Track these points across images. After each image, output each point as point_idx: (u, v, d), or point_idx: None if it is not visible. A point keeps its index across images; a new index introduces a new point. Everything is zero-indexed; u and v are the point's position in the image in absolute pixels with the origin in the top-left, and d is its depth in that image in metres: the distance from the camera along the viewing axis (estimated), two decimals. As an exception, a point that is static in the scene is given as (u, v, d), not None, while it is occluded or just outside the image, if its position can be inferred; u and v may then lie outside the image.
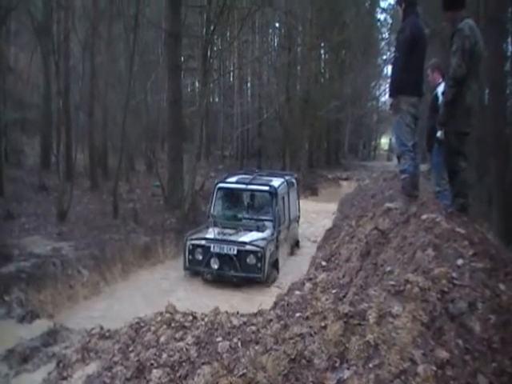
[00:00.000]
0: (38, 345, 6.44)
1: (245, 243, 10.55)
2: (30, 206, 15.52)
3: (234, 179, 13.03)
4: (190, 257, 11.00)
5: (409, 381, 2.87)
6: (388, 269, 4.11)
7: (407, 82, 5.71)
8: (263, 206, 12.27)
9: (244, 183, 12.49)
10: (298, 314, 3.71)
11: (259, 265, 10.40)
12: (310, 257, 8.21)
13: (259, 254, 10.32)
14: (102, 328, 5.10)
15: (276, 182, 12.60)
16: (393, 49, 34.88)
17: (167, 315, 4.36)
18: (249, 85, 37.93)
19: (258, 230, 11.21)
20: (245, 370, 3.34)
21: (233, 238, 10.88)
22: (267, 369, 3.27)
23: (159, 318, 4.36)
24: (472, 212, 5.04)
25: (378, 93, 51.13)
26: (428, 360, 2.95)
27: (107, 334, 4.94)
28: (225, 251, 10.52)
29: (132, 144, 22.86)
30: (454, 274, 3.51)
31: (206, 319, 4.16)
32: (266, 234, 11.16)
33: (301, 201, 18.35)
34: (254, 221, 11.80)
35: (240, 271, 10.50)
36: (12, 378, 5.85)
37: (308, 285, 4.41)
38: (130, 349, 4.15)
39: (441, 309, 3.26)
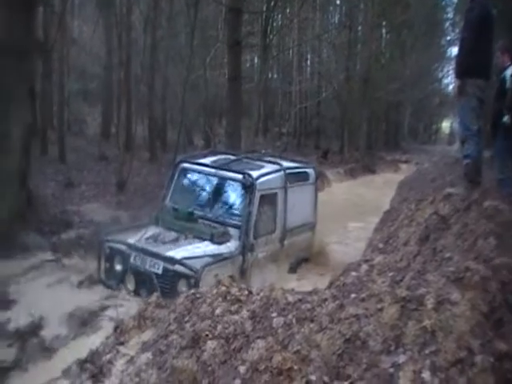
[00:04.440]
0: (96, 309, 6.66)
1: (173, 260, 6.81)
2: (90, 175, 15.96)
3: (207, 160, 8.94)
4: (107, 265, 7.57)
5: (465, 370, 2.83)
6: (447, 255, 4.05)
7: (474, 64, 5.54)
8: (232, 205, 8.25)
9: (216, 167, 8.45)
10: (353, 295, 3.70)
11: None
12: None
13: (192, 281, 6.43)
14: (158, 297, 5.22)
15: (261, 170, 8.34)
16: (457, 29, 33.90)
17: (223, 288, 4.41)
18: (308, 62, 37.56)
19: (213, 240, 7.38)
20: (299, 347, 3.36)
21: (162, 248, 7.20)
22: (321, 347, 3.29)
23: (215, 291, 4.40)
24: (536, 202, 4.89)
25: (440, 75, 49.87)
26: (486, 351, 2.89)
27: (163, 304, 5.05)
28: (147, 267, 6.94)
29: (190, 118, 23.10)
30: (516, 265, 3.44)
31: (261, 294, 4.18)
32: (224, 247, 7.39)
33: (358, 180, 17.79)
34: (216, 224, 7.83)
35: None
36: (71, 340, 6.10)
37: (364, 266, 4.37)
38: (186, 319, 4.22)
39: (501, 300, 3.19)
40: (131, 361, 4.12)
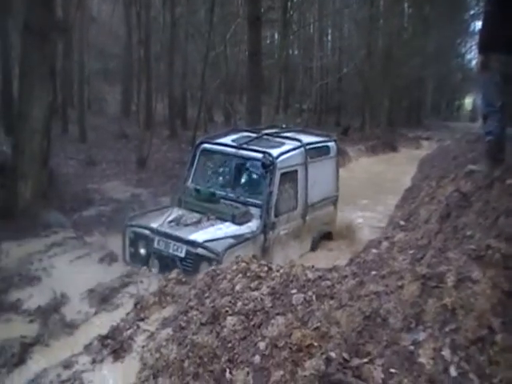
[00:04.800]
0: (117, 286, 6.73)
1: (195, 243, 6.86)
2: (111, 153, 16.07)
3: (227, 139, 8.84)
4: (132, 249, 7.61)
5: (486, 349, 2.81)
6: (468, 233, 4.00)
7: (498, 39, 5.39)
8: (253, 184, 8.19)
9: (236, 147, 8.36)
10: (373, 272, 3.69)
11: None
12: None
13: (214, 264, 6.13)
14: (178, 274, 5.26)
15: (281, 148, 8.26)
16: (481, 3, 33.11)
17: (243, 264, 4.43)
18: (329, 38, 37.13)
19: (234, 220, 7.41)
20: (318, 324, 3.37)
21: (184, 231, 7.22)
22: (341, 324, 3.29)
23: (235, 267, 4.43)
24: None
25: (463, 50, 48.96)
26: (507, 329, 2.87)
27: (183, 280, 5.09)
28: (170, 250, 7.04)
29: (211, 95, 23.05)
30: (538, 243, 3.38)
31: (281, 271, 4.19)
32: (246, 228, 7.41)
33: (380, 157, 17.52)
34: (237, 204, 7.86)
35: None
36: (92, 316, 6.18)
37: (385, 243, 4.36)
38: (206, 295, 4.25)
39: (522, 278, 3.16)
40: (151, 336, 4.17)
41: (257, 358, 3.38)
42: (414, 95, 38.76)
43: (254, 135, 8.93)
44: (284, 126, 11.07)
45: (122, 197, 11.30)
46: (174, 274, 5.21)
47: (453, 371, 2.78)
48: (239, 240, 7.04)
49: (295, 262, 4.56)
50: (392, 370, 2.89)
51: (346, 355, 3.08)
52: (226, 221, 7.46)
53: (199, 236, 7.04)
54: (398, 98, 34.04)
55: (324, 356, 3.12)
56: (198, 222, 7.50)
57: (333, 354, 3.10)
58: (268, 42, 35.16)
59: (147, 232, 7.40)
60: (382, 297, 3.33)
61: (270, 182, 7.64)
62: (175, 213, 7.82)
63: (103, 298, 6.48)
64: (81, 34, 18.82)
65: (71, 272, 7.24)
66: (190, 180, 8.60)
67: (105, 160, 14.95)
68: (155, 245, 7.21)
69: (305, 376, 3.07)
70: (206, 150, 8.65)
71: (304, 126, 22.73)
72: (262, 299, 3.84)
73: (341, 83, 33.17)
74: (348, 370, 2.99)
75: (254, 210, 7.67)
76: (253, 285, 4.10)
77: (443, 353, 2.86)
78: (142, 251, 7.45)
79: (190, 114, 22.46)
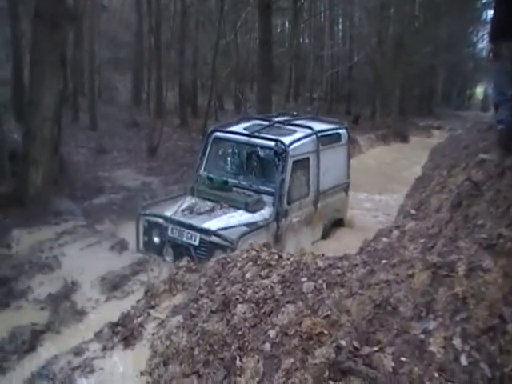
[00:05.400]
0: (128, 274, 6.75)
1: (209, 231, 6.85)
2: (122, 142, 16.11)
3: (239, 127, 8.81)
4: (146, 238, 7.65)
5: (497, 338, 2.79)
6: (480, 222, 3.97)
7: (509, 27, 5.35)
8: (266, 172, 8.10)
9: (248, 135, 8.29)
10: (384, 261, 3.68)
11: None
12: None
13: (229, 252, 6.09)
14: (189, 261, 5.27)
15: (293, 136, 8.19)
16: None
17: (253, 252, 4.43)
18: (340, 26, 36.96)
19: (247, 208, 7.40)
20: (329, 312, 3.37)
21: (198, 219, 7.21)
22: (351, 312, 3.29)
23: (245, 255, 4.43)
24: None
25: (475, 39, 48.48)
26: (518, 319, 2.86)
27: (194, 268, 5.10)
28: (184, 239, 7.03)
29: (221, 83, 23.01)
30: (550, 232, 3.35)
31: (291, 259, 4.20)
32: (259, 215, 7.40)
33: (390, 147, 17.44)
34: (250, 192, 7.84)
35: None
36: (102, 303, 6.21)
37: (396, 232, 4.34)
38: (216, 283, 4.27)
39: (534, 267, 3.14)
40: (162, 324, 4.19)
41: (267, 346, 3.39)
42: (425, 84, 38.43)
43: (265, 123, 8.87)
44: (295, 113, 11.00)
45: (132, 185, 11.33)
46: (184, 262, 5.22)
47: (463, 360, 2.77)
48: (252, 228, 7.03)
49: (307, 249, 4.56)
50: (402, 359, 2.88)
51: (356, 343, 3.07)
52: (239, 209, 7.45)
53: (213, 224, 7.03)
54: (409, 87, 33.77)
55: (334, 344, 3.12)
56: (212, 210, 7.49)
57: (343, 343, 3.10)
58: (279, 30, 35.03)
59: (161, 221, 7.39)
60: (393, 285, 3.32)
61: (283, 170, 7.60)
62: (188, 201, 7.80)
63: (114, 286, 6.49)
64: (91, 23, 18.84)
65: (82, 260, 7.25)
66: (203, 168, 8.57)
67: (115, 148, 14.99)
68: (169, 233, 7.21)
69: (315, 364, 3.07)
70: (218, 139, 8.61)
71: (314, 114, 22.69)
72: (272, 287, 3.84)
73: (351, 72, 32.95)
74: (358, 358, 2.99)
75: (266, 198, 7.64)
76: (263, 273, 4.10)
77: (454, 342, 2.85)
78: (156, 240, 7.46)
79: (200, 103, 22.45)
